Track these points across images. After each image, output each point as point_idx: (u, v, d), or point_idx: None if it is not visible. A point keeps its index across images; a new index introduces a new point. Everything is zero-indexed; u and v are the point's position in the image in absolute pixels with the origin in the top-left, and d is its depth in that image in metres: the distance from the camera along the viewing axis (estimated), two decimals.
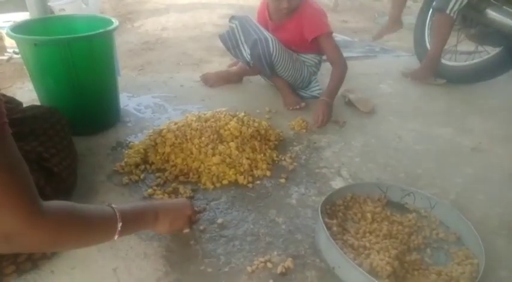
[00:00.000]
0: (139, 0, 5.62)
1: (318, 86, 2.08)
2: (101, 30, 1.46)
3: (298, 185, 1.39)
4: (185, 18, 4.74)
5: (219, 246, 1.11)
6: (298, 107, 1.93)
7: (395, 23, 2.92)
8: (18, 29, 1.47)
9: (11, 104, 1.29)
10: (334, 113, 1.88)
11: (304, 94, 2.08)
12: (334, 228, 1.12)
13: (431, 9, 2.52)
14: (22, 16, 3.96)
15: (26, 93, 1.94)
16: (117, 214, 0.85)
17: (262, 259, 1.05)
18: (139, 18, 5.03)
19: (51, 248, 0.85)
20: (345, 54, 2.50)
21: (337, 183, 1.40)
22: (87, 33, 1.43)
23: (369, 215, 1.21)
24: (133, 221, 0.92)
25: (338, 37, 3.78)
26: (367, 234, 1.13)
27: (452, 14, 2.09)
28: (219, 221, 1.19)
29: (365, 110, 1.96)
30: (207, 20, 4.61)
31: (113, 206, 0.87)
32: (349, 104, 2.01)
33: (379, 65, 2.83)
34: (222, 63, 3.13)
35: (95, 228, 0.81)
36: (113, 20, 1.57)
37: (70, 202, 0.78)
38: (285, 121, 1.81)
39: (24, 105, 1.33)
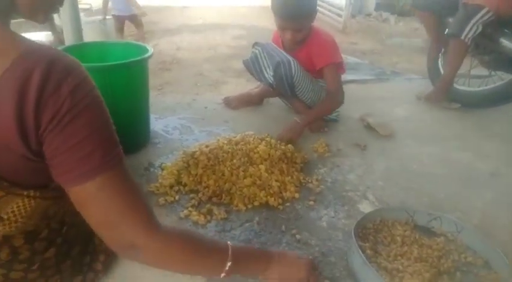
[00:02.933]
0: (151, 20, 5.78)
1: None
2: (138, 58, 1.54)
3: (327, 207, 1.44)
4: (198, 39, 4.88)
5: None
6: (321, 130, 1.99)
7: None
8: None
9: None
10: (355, 137, 1.94)
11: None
12: (368, 251, 1.16)
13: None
14: (43, 36, 4.09)
15: None
16: (230, 252, 0.84)
17: None
18: (153, 38, 5.17)
19: (159, 265, 0.83)
20: (358, 77, 2.58)
21: (365, 207, 1.45)
22: (126, 61, 1.50)
23: (398, 239, 1.25)
24: (245, 263, 0.89)
25: (348, 59, 3.88)
26: (399, 257, 1.18)
27: (466, 40, 2.17)
28: (254, 243, 1.24)
29: (384, 133, 2.02)
30: (221, 41, 4.73)
31: (229, 243, 0.86)
32: (368, 127, 2.07)
33: (393, 88, 2.91)
34: (238, 84, 3.22)
35: (204, 260, 0.81)
36: (148, 47, 1.65)
37: (189, 230, 0.83)
38: (306, 144, 1.87)
39: None
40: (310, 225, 1.34)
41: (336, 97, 1.94)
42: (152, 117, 2.04)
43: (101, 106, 0.76)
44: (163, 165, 1.59)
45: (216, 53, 4.14)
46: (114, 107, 1.62)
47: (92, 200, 0.72)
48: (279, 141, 1.71)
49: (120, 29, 4.72)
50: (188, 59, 4.25)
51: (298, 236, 1.27)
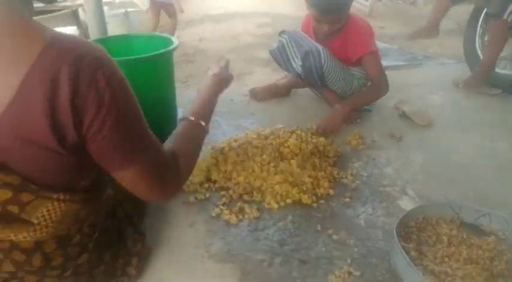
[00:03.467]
0: None
1: None
2: (163, 50, 1.49)
3: (364, 204, 1.36)
4: (221, 29, 4.80)
5: (292, 269, 1.10)
6: (354, 121, 1.90)
7: (434, 28, 2.82)
8: None
9: None
10: (390, 126, 1.84)
11: None
12: (412, 253, 1.09)
13: (482, 15, 2.44)
14: (68, 31, 4.13)
15: None
16: (200, 121, 1.04)
17: None
18: (176, 29, 5.12)
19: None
20: (389, 63, 2.44)
21: (405, 203, 1.37)
22: (152, 54, 1.46)
23: (444, 238, 1.16)
24: (207, 110, 1.11)
25: (378, 44, 3.71)
26: (446, 259, 1.09)
27: (510, 20, 2.01)
28: (290, 242, 1.18)
29: (421, 122, 1.91)
30: (243, 30, 4.63)
31: (186, 117, 1.04)
32: (404, 116, 1.96)
33: (426, 73, 2.75)
34: (263, 74, 3.13)
35: (198, 138, 1.04)
36: (173, 38, 1.60)
37: (177, 136, 1.00)
38: (338, 136, 1.78)
39: None
40: (347, 223, 1.27)
41: (380, 86, 1.84)
42: (179, 110, 2.00)
43: (133, 95, 0.77)
44: None
45: (239, 43, 4.06)
46: (140, 100, 1.59)
47: (135, 178, 0.80)
48: (310, 134, 1.64)
49: (156, 15, 4.61)
50: (211, 49, 4.19)
51: (335, 236, 1.21)
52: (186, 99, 2.11)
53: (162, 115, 1.63)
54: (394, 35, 4.59)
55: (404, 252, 1.04)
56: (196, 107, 1.09)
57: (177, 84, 2.94)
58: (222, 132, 1.81)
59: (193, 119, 1.03)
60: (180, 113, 1.95)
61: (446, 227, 1.21)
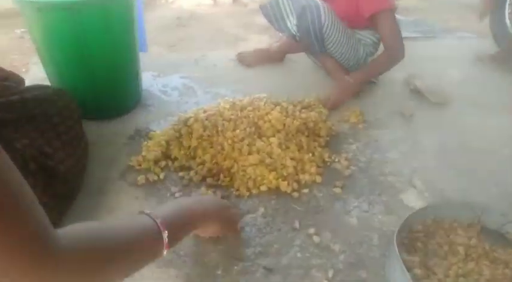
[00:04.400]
0: None
1: None
2: None
3: (358, 197, 1.07)
4: None
5: (254, 280, 0.83)
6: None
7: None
8: None
9: (9, 81, 1.06)
10: (399, 103, 1.53)
11: None
12: (417, 270, 0.81)
13: None
14: None
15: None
16: (158, 222, 0.60)
17: None
18: None
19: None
20: (403, 35, 2.09)
21: (410, 198, 1.08)
22: None
23: (460, 249, 0.88)
24: (181, 225, 0.69)
25: None
26: (462, 280, 0.81)
27: None
28: (256, 244, 0.91)
29: (436, 100, 1.59)
30: None
31: (147, 212, 0.62)
32: (416, 92, 1.65)
33: (444, 47, 2.41)
34: (260, 41, 2.82)
35: (134, 250, 0.56)
36: None
37: (94, 223, 0.54)
38: (336, 112, 1.48)
39: (28, 85, 1.10)
40: (333, 221, 0.99)
41: (395, 51, 1.55)
42: (150, 75, 1.70)
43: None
44: (151, 133, 1.26)
45: (239, 7, 3.72)
46: (90, 56, 1.27)
47: None
48: (299, 108, 1.34)
49: None
50: (208, 14, 3.86)
51: (316, 238, 0.93)
52: (166, 65, 1.81)
53: (118, 78, 1.34)
54: (410, 7, 4.19)
55: (405, 269, 0.76)
56: (169, 210, 0.68)
57: (162, 48, 2.63)
58: (196, 101, 1.51)
59: (150, 213, 0.63)
60: (151, 78, 1.66)
61: (463, 233, 0.93)
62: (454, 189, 1.12)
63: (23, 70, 1.91)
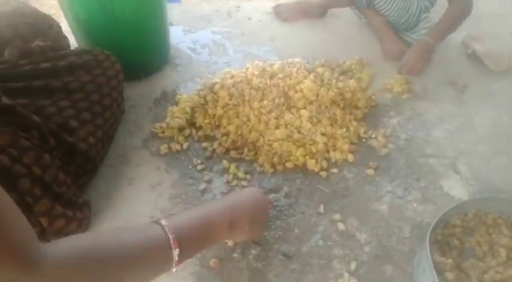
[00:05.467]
0: None
1: (428, 27, 1.52)
2: None
3: (392, 180, 0.99)
4: None
5: (272, 268, 0.79)
6: (401, 56, 1.42)
7: None
8: None
9: (43, 36, 1.02)
10: (452, 70, 1.36)
11: (408, 38, 1.54)
12: (448, 274, 0.73)
13: None
14: None
15: None
16: (171, 238, 0.56)
17: None
18: None
19: None
20: None
21: (451, 185, 0.97)
22: None
23: (502, 252, 0.79)
24: (198, 242, 0.63)
25: None
26: None
27: None
28: (277, 226, 0.86)
29: (497, 68, 1.39)
30: None
31: (163, 223, 0.57)
32: (473, 57, 1.45)
33: None
34: None
35: (138, 265, 0.52)
36: None
37: (90, 236, 0.52)
38: (380, 78, 1.33)
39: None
40: (362, 207, 0.92)
41: (465, 2, 1.35)
42: (180, 30, 1.61)
43: None
44: (177, 97, 1.21)
45: None
46: (112, 10, 1.22)
47: None
48: (337, 74, 1.22)
49: None
50: None
51: (341, 225, 0.87)
52: (198, 18, 1.69)
53: (144, 34, 1.26)
54: None
55: (435, 273, 0.69)
56: (187, 223, 0.62)
57: None
58: (226, 61, 1.42)
59: (165, 224, 0.58)
60: (181, 33, 1.57)
61: (507, 233, 0.83)
62: (504, 180, 0.99)
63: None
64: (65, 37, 1.09)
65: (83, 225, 0.82)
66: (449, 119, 1.18)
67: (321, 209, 0.90)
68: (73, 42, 1.24)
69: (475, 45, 1.48)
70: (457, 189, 0.97)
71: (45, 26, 1.01)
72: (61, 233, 0.79)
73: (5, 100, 0.77)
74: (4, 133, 0.73)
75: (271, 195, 0.94)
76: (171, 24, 1.58)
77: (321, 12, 1.71)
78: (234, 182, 0.96)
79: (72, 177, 0.85)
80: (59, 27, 1.07)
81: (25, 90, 0.86)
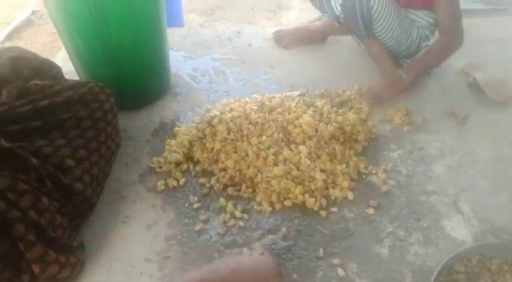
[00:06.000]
0: None
1: None
2: None
3: (393, 220, 0.97)
4: None
5: None
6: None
7: None
8: None
9: (44, 74, 1.01)
10: (452, 100, 1.35)
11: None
12: None
13: None
14: None
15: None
16: None
17: None
18: None
19: None
20: (463, 6, 1.77)
21: (453, 225, 0.95)
22: None
23: None
24: None
25: None
26: None
27: None
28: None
29: (498, 98, 1.38)
30: None
31: None
32: (474, 86, 1.43)
33: None
34: (303, 10, 2.60)
35: None
36: None
37: None
38: (379, 110, 1.32)
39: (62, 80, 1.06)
40: (362, 251, 0.90)
41: (454, 35, 1.35)
42: (180, 56, 1.61)
43: None
44: (176, 129, 1.20)
45: None
46: (109, 38, 1.08)
47: None
48: (336, 107, 1.21)
49: None
50: None
51: (340, 271, 0.85)
52: (198, 44, 1.70)
53: (144, 62, 1.25)
54: None
55: None
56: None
57: (196, 17, 2.50)
58: (226, 90, 1.41)
59: None
60: (182, 60, 1.57)
61: None
62: (505, 219, 0.97)
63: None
64: (64, 78, 1.08)
65: (75, 271, 0.81)
66: (449, 152, 1.17)
67: (320, 252, 0.88)
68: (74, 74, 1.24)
69: (476, 73, 1.47)
70: (459, 231, 0.94)
71: (47, 68, 1.02)
72: (54, 279, 0.77)
73: (4, 143, 0.76)
74: (3, 177, 0.72)
75: (269, 237, 0.92)
76: (172, 50, 1.58)
77: (321, 38, 1.71)
78: (231, 222, 0.94)
79: (69, 219, 0.83)
80: (59, 68, 1.08)
81: (23, 132, 0.86)
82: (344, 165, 1.06)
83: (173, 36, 1.70)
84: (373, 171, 1.09)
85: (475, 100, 1.39)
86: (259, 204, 0.99)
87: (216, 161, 1.08)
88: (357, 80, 1.43)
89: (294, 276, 0.84)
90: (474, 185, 1.06)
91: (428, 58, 1.40)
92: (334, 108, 1.19)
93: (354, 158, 1.09)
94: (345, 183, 1.02)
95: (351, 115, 1.16)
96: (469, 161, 1.14)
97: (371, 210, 0.98)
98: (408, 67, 1.38)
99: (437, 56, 1.40)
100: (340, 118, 1.13)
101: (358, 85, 1.39)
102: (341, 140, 1.11)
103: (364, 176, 1.08)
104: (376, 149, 1.17)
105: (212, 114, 1.13)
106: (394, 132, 1.24)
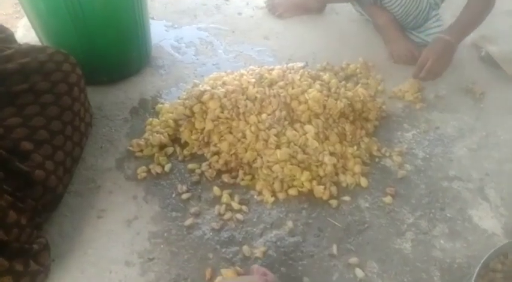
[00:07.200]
0: None
1: (438, 25, 1.37)
2: None
3: (414, 210, 0.84)
4: None
5: None
6: (412, 60, 1.26)
7: None
8: None
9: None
10: (465, 76, 1.22)
11: (416, 38, 1.39)
12: None
13: None
14: None
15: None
16: None
17: None
18: None
19: None
20: None
21: (481, 215, 0.84)
22: None
23: None
24: None
25: None
26: None
27: None
28: (281, 274, 0.71)
29: None
30: None
31: None
32: (488, 60, 1.31)
33: None
34: None
35: None
36: None
37: None
38: (388, 84, 1.19)
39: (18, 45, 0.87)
40: (382, 246, 0.77)
41: None
42: (162, 25, 1.42)
43: None
44: (159, 106, 1.03)
45: None
46: (78, 6, 0.89)
47: None
48: (344, 81, 1.06)
49: None
50: None
51: (359, 272, 0.72)
52: (182, 12, 1.50)
53: (119, 31, 1.07)
54: None
55: None
56: None
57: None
58: (215, 63, 1.24)
59: None
60: (164, 29, 1.38)
61: None
62: None
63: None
64: (18, 43, 0.90)
65: (37, 280, 0.65)
66: (469, 132, 1.05)
67: (334, 249, 0.75)
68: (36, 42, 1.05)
69: (489, 47, 1.35)
70: (487, 221, 0.83)
71: None
72: None
73: None
74: None
75: (273, 233, 0.78)
76: (152, 19, 1.39)
77: (318, 8, 1.55)
78: (228, 215, 0.80)
79: (29, 215, 0.67)
80: (12, 32, 0.89)
81: None
82: (355, 148, 0.92)
83: (154, 3, 1.51)
84: (387, 154, 0.95)
85: (490, 75, 1.27)
86: (260, 193, 0.85)
87: (208, 144, 0.92)
88: (360, 52, 1.29)
89: (305, 279, 0.71)
90: (500, 169, 0.95)
91: (468, 18, 1.19)
92: (343, 82, 1.05)
93: (366, 139, 0.96)
94: (357, 168, 0.89)
95: (360, 90, 1.02)
96: (491, 142, 1.03)
97: (388, 199, 0.85)
98: (451, 30, 1.17)
99: (476, 15, 1.19)
100: (349, 93, 0.98)
101: (363, 58, 1.25)
102: (351, 118, 0.97)
103: (377, 160, 0.94)
104: (389, 129, 1.04)
105: (202, 88, 0.96)
106: (406, 111, 1.11)
